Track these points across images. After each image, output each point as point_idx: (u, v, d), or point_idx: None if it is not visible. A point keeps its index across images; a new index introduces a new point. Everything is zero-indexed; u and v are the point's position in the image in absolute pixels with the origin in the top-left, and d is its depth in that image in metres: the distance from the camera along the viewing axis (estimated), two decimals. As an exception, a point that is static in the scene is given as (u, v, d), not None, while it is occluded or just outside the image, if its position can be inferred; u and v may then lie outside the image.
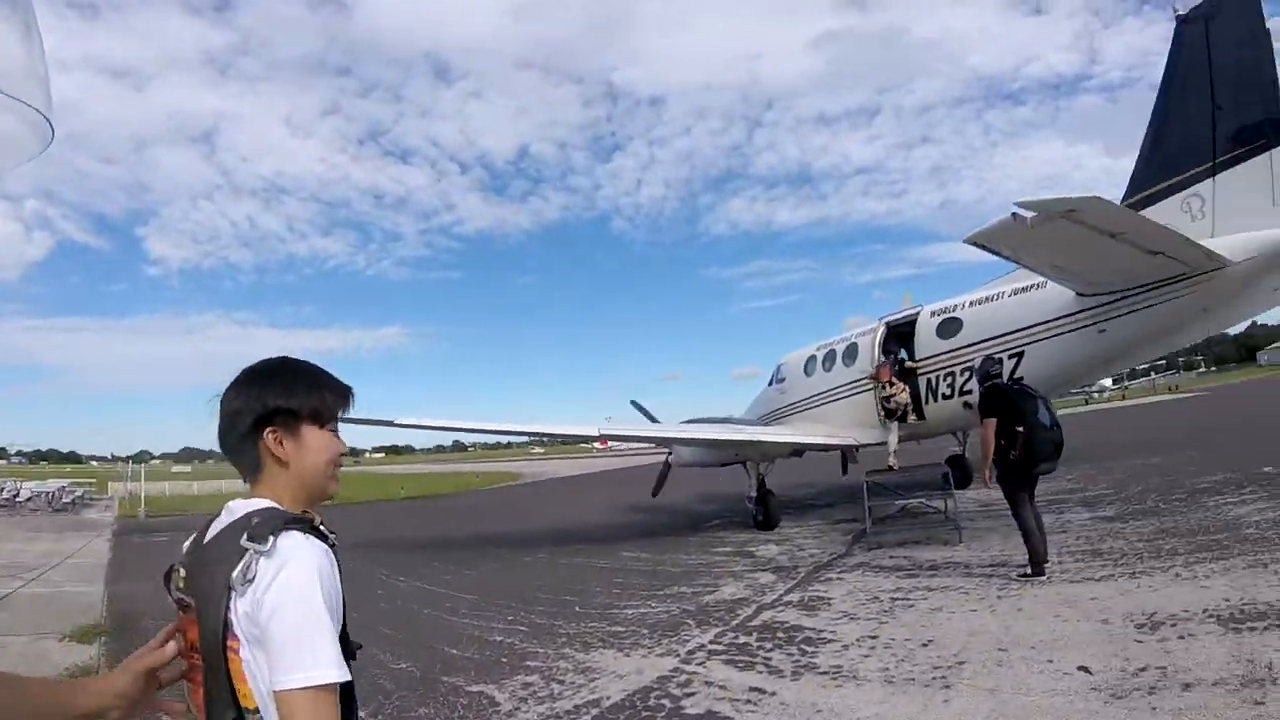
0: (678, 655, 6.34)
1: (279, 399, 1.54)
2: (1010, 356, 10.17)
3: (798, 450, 13.81)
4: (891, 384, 11.25)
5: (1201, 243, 7.90)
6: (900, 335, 12.25)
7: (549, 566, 11.67)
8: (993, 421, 7.43)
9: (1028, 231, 6.98)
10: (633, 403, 17.43)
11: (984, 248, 7.62)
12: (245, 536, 1.38)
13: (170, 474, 49.00)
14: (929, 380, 11.15)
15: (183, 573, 1.49)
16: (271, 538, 1.37)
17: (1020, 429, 7.22)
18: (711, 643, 6.57)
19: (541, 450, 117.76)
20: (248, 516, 1.44)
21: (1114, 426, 30.23)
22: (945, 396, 10.91)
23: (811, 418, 13.72)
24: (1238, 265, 8.13)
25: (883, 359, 10.11)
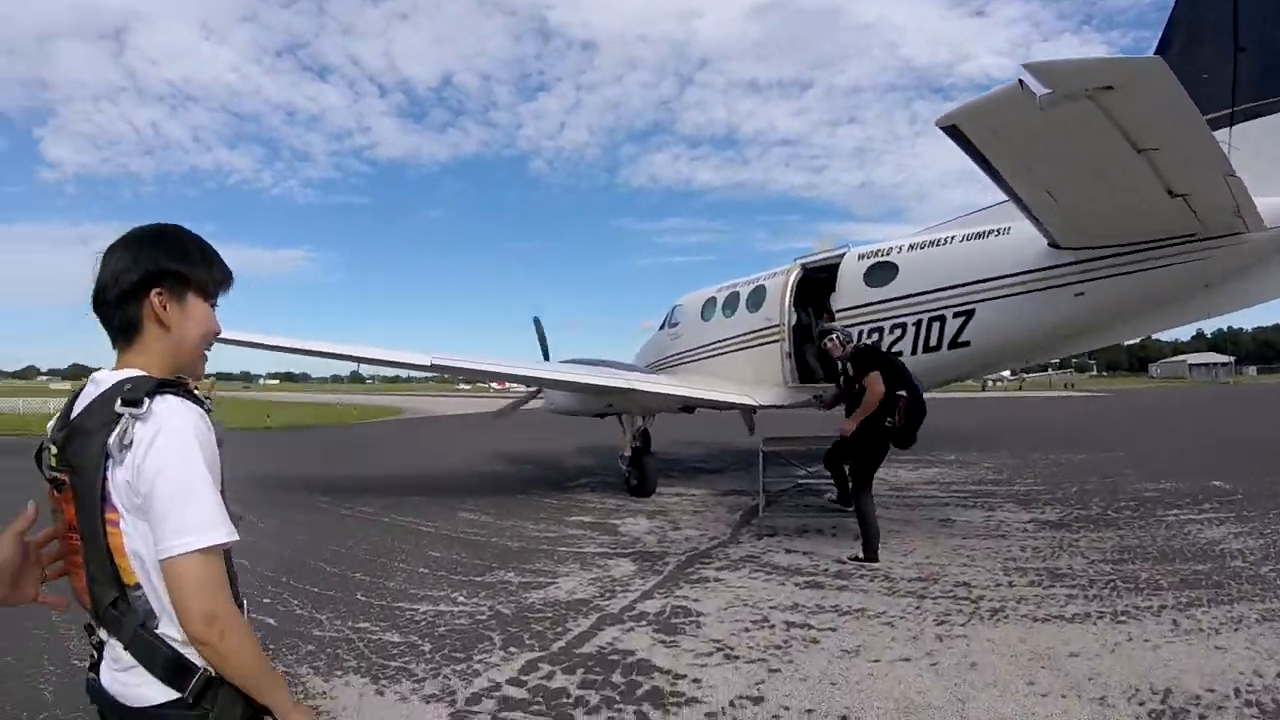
0: (451, 702, 4.03)
1: (172, 262, 1.47)
2: (956, 315, 8.22)
3: (687, 406, 11.65)
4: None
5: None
6: (817, 282, 10.13)
7: (364, 525, 9.12)
8: (879, 374, 6.76)
9: (1030, 115, 4.78)
10: (535, 319, 14.78)
11: (959, 139, 5.37)
12: (119, 402, 1.31)
13: (49, 390, 42.68)
14: (847, 334, 9.10)
15: (54, 450, 1.39)
16: (147, 400, 1.31)
17: (902, 393, 6.70)
18: (511, 682, 4.30)
19: (438, 386, 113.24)
20: (119, 384, 1.37)
21: (1020, 416, 29.96)
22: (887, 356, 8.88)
23: (705, 369, 11.55)
24: (1262, 234, 6.31)
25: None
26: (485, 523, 9.20)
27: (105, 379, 1.41)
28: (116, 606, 1.35)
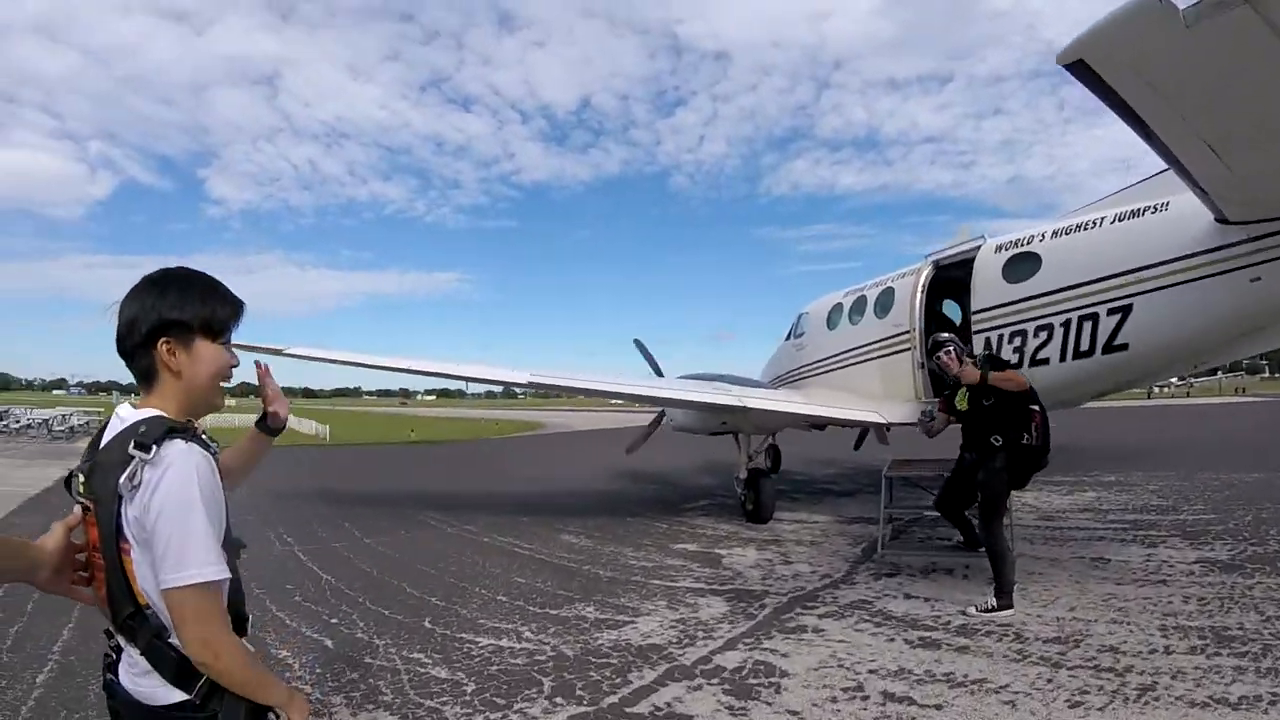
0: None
1: (173, 311, 1.56)
2: (1111, 312, 6.77)
3: (817, 424, 10.57)
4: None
5: None
6: (951, 280, 8.81)
7: (463, 545, 8.90)
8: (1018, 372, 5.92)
9: (1175, 38, 3.50)
10: (636, 341, 14.30)
11: (1090, 80, 4.09)
12: (132, 444, 1.43)
13: (230, 407, 47.82)
14: (987, 340, 7.74)
15: (81, 478, 1.55)
16: (155, 446, 1.42)
17: (1037, 408, 5.74)
18: (544, 747, 3.63)
19: (586, 401, 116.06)
20: (135, 425, 1.50)
21: (1189, 426, 25.78)
22: (1015, 363, 7.49)
23: (830, 383, 10.43)
24: None
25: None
26: (583, 547, 8.67)
27: (127, 416, 1.56)
28: (133, 619, 1.47)
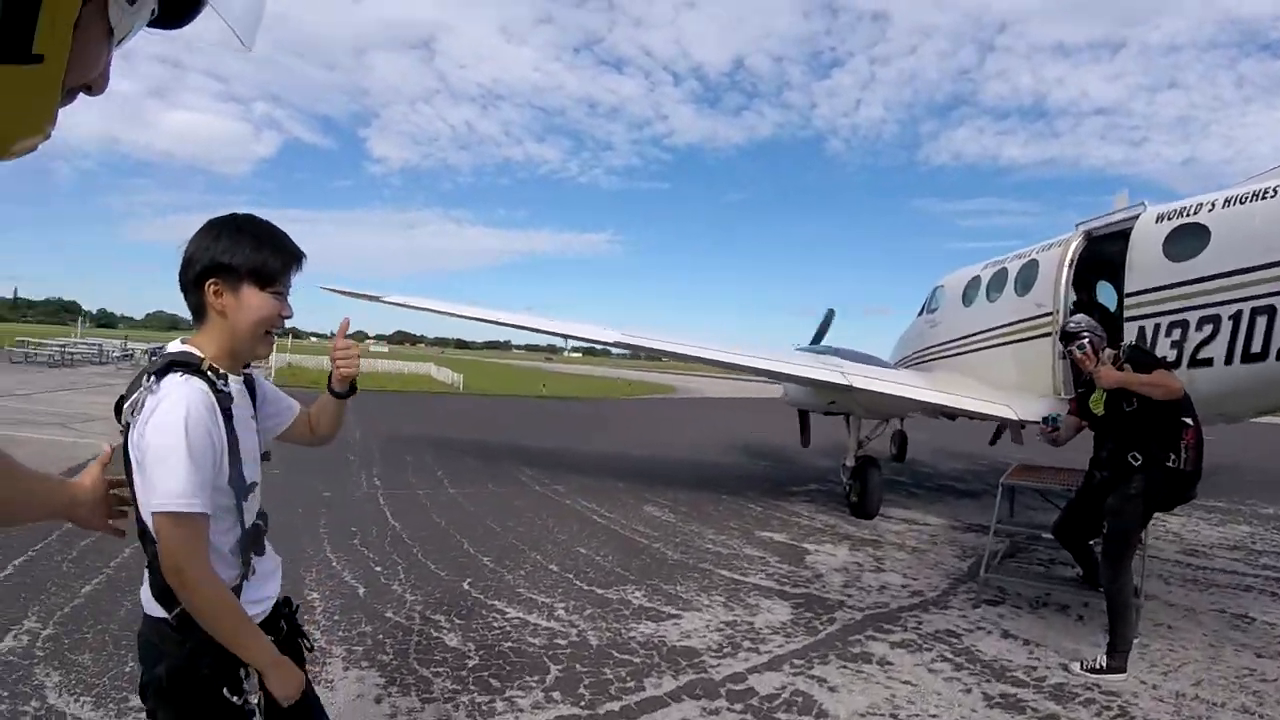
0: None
1: (224, 255, 1.59)
2: None
3: (948, 411, 9.35)
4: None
5: None
6: (1104, 255, 7.28)
7: (543, 505, 8.69)
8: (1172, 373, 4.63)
9: None
10: (829, 311, 12.86)
11: None
12: (146, 374, 1.55)
13: (368, 352, 51.55)
14: (1141, 330, 6.28)
15: (127, 403, 1.59)
16: (155, 377, 1.52)
17: (1190, 422, 4.49)
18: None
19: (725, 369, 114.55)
20: (155, 358, 1.59)
21: None
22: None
23: (961, 366, 9.12)
24: None
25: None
26: (663, 522, 8.15)
27: (167, 349, 1.64)
28: (143, 536, 1.55)
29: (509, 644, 4.44)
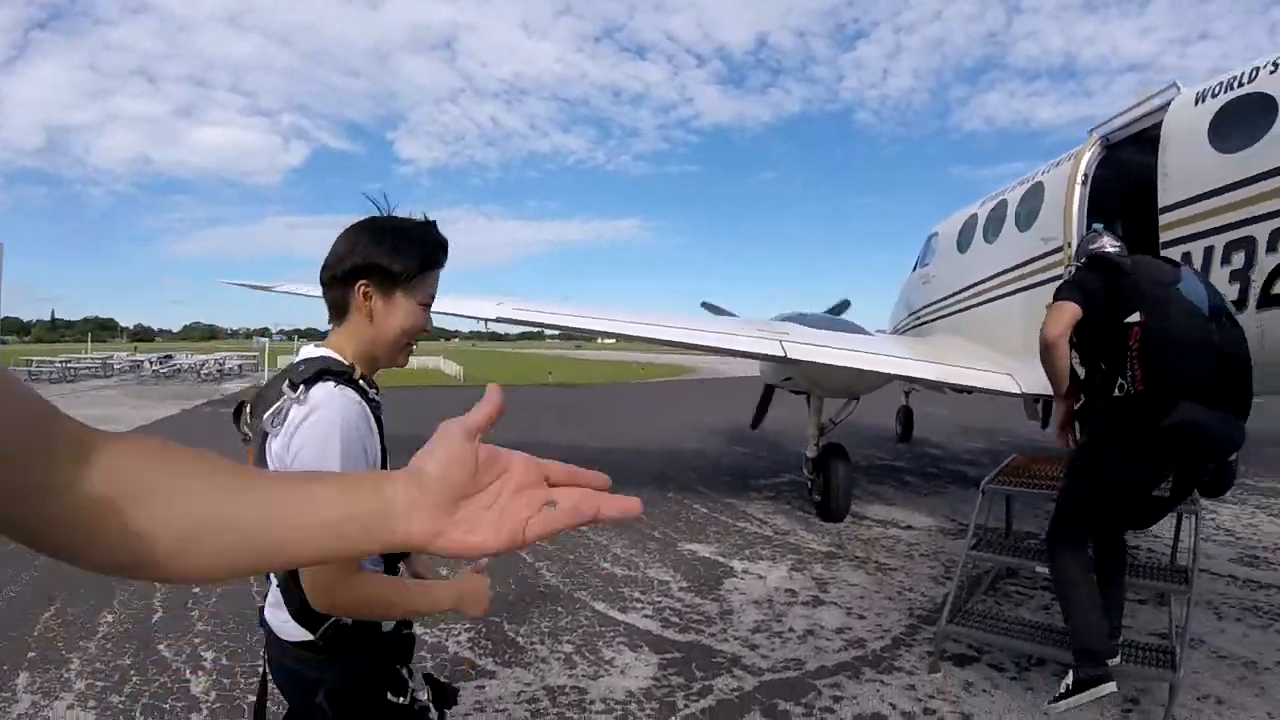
0: None
1: (383, 257, 1.48)
2: None
3: (928, 385, 7.49)
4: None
5: None
6: (1128, 164, 5.38)
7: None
8: (1069, 310, 3.12)
9: None
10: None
11: None
12: (286, 382, 1.41)
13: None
14: (1186, 256, 4.32)
15: (248, 409, 1.53)
16: (304, 386, 1.39)
17: (1139, 320, 2.91)
18: None
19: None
20: (296, 363, 1.49)
21: None
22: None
23: (956, 326, 7.23)
24: None
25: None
26: (571, 533, 6.43)
27: (302, 354, 1.53)
28: None
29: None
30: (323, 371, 1.41)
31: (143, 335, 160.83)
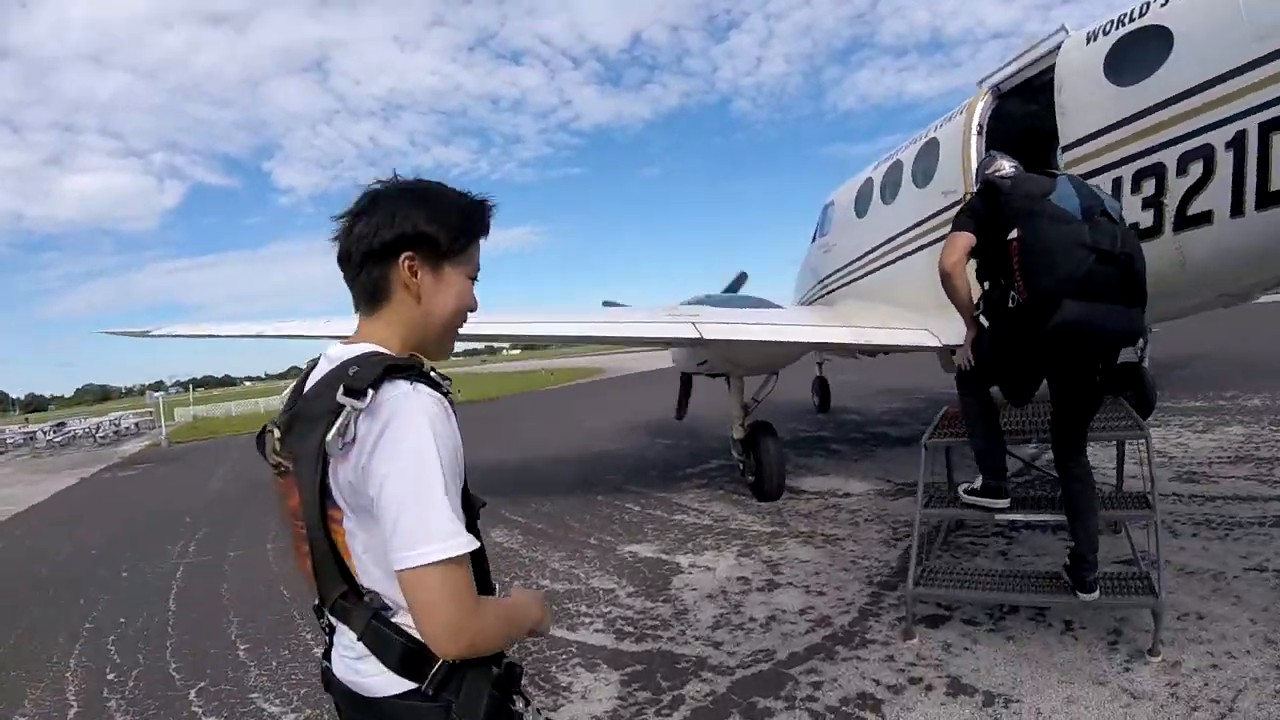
0: None
1: (431, 225, 1.24)
2: None
3: (848, 349, 7.49)
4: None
5: None
6: (1022, 113, 5.53)
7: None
8: (962, 239, 3.32)
9: None
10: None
11: None
12: (341, 390, 1.10)
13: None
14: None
15: (276, 434, 1.23)
16: (370, 391, 1.10)
17: (1015, 237, 3.05)
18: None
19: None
20: (344, 366, 1.17)
21: None
22: (1142, 228, 4.15)
23: (864, 291, 7.26)
24: None
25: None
26: (505, 550, 6.17)
27: (337, 355, 1.22)
28: (347, 599, 1.19)
29: None
30: (389, 369, 1.13)
31: (36, 405, 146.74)
